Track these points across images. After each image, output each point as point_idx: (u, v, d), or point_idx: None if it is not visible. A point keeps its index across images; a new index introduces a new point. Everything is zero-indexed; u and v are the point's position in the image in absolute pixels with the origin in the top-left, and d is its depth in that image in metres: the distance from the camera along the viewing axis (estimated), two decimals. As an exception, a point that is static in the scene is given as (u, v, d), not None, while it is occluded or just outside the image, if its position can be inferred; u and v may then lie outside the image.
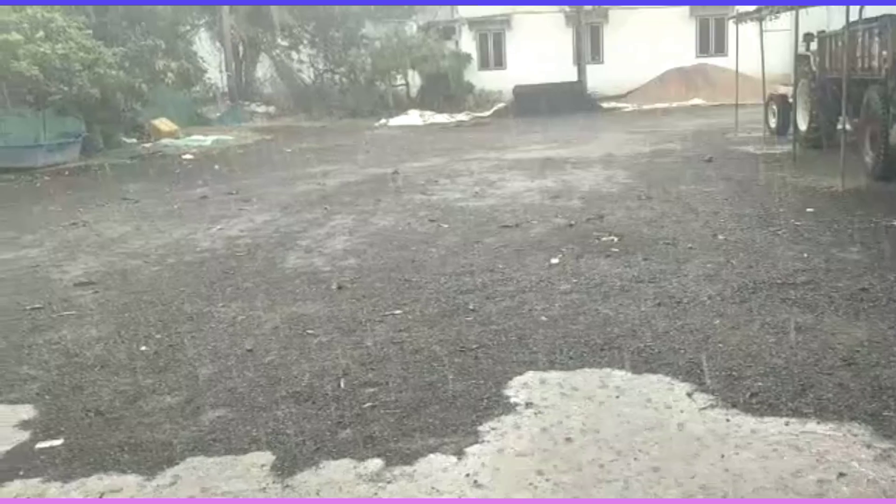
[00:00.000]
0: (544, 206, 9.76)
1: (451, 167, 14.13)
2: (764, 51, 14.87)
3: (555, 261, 6.93)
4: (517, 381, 4.36)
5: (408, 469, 3.48)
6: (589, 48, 30.44)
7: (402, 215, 9.65)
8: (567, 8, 30.27)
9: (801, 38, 13.03)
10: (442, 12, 33.17)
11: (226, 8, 29.38)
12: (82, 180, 15.52)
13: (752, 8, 15.84)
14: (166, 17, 23.59)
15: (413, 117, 27.43)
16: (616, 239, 7.62)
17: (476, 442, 3.69)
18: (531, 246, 7.58)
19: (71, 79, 17.18)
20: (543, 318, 5.39)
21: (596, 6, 29.92)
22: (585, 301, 5.72)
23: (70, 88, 17.18)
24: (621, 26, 30.44)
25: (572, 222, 8.58)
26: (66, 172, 16.61)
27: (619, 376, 4.35)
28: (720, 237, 7.51)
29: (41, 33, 16.92)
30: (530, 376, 4.42)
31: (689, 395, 4.07)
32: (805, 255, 6.68)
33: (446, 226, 8.84)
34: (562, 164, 13.54)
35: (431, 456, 3.58)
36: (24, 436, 4.02)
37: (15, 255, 8.58)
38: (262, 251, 8.09)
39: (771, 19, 14.75)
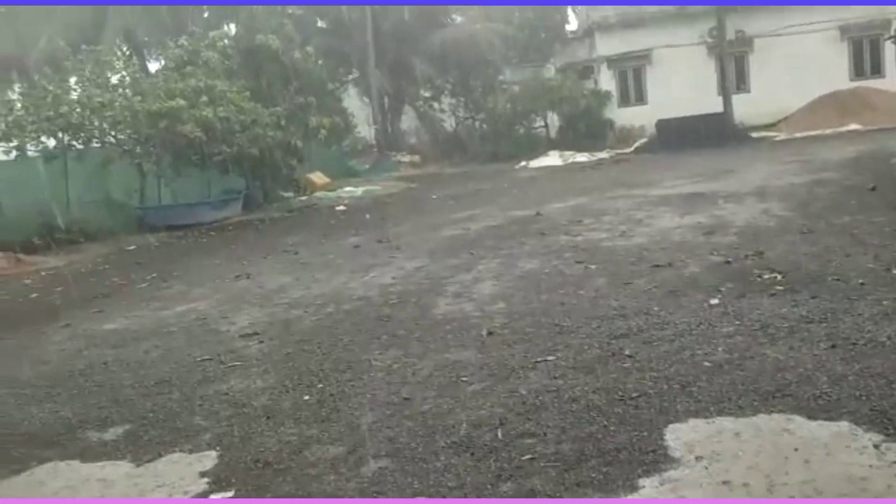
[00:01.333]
0: (697, 243, 9.41)
1: (594, 206, 13.94)
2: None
3: (714, 301, 6.63)
4: (683, 431, 4.15)
5: (573, 525, 3.38)
6: (734, 78, 29.54)
7: (548, 257, 9.56)
8: (709, 39, 29.60)
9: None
10: (580, 53, 33.23)
11: (372, 63, 30.72)
12: (245, 234, 16.43)
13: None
14: (317, 76, 24.92)
15: (553, 158, 27.43)
16: (779, 276, 7.22)
17: (643, 497, 3.54)
18: (686, 286, 7.30)
19: (231, 139, 18.40)
20: (707, 364, 5.14)
21: (739, 35, 29.13)
22: (751, 344, 5.42)
23: (231, 148, 18.40)
24: (767, 54, 29.43)
25: (729, 259, 8.22)
26: (230, 227, 17.65)
27: (795, 426, 4.06)
28: (894, 271, 6.98)
29: (204, 98, 18.26)
30: (697, 426, 4.20)
31: (877, 446, 3.74)
32: None
33: (594, 267, 8.67)
34: (712, 199, 13.07)
35: (597, 511, 3.47)
36: (201, 486, 4.21)
37: (186, 307, 9.13)
38: (413, 298, 8.22)
39: (937, 34, 13.81)
